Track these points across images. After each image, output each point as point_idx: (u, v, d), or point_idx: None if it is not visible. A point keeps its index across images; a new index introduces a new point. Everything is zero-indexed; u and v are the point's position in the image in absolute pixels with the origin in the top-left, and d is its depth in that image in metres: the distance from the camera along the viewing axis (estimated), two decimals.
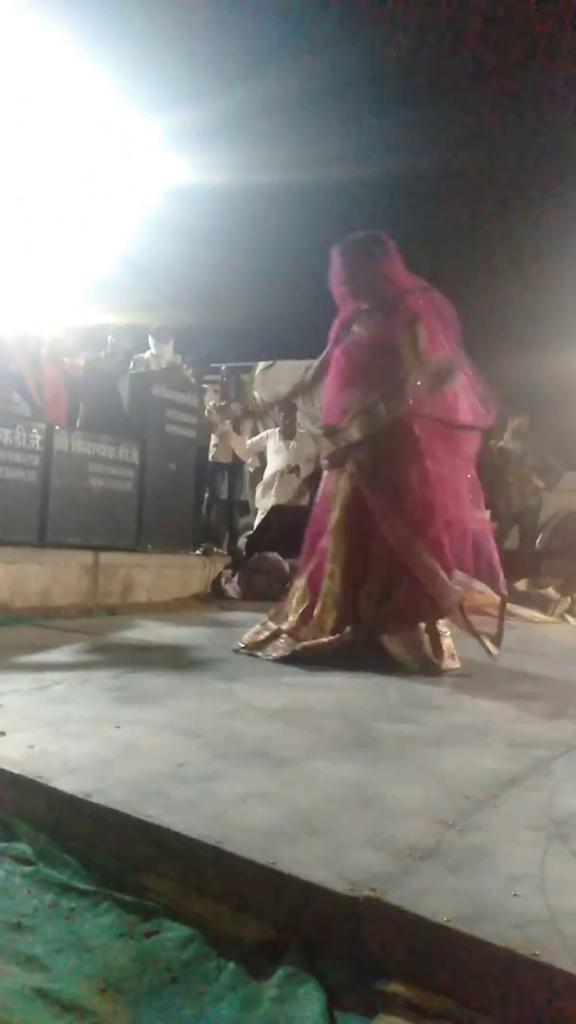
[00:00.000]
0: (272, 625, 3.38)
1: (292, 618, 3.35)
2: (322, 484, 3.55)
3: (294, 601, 3.43)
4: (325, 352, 3.60)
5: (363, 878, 1.16)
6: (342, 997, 1.03)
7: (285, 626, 3.33)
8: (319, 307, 3.57)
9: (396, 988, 1.01)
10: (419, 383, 3.19)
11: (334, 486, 3.37)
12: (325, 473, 3.54)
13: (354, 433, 3.27)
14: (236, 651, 3.26)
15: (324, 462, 3.53)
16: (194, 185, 7.35)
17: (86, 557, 5.06)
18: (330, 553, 3.31)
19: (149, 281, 7.73)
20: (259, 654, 3.19)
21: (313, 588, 3.37)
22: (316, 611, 3.29)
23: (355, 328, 3.39)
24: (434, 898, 1.11)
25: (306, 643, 3.16)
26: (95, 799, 1.44)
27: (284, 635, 3.28)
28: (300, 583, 3.46)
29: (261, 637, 3.31)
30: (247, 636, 3.36)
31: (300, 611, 3.35)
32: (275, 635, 3.30)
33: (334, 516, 3.33)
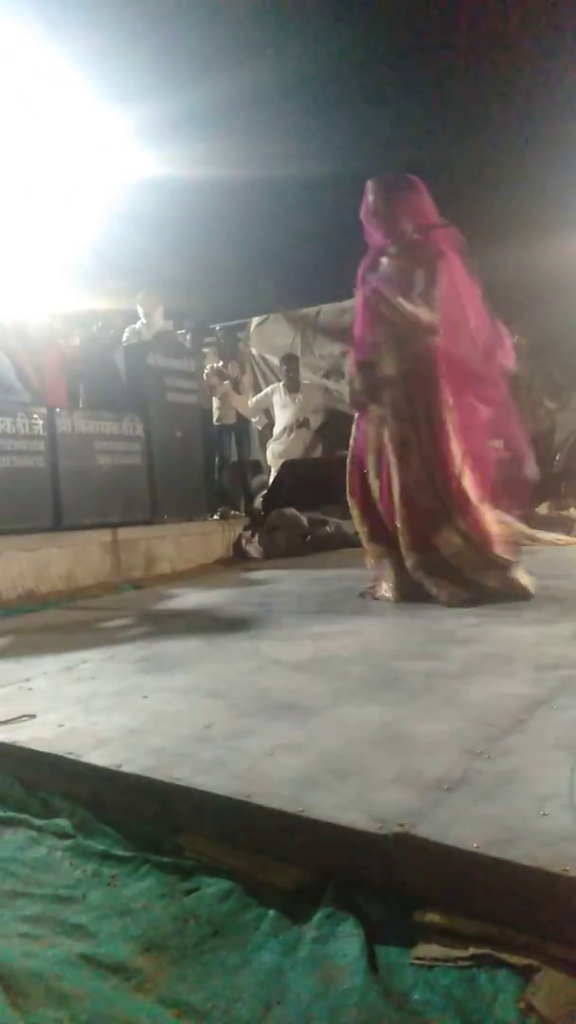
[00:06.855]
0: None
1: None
2: (359, 427, 3.45)
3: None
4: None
5: (392, 815, 1.17)
6: (381, 931, 1.05)
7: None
8: (296, 296, 3.52)
9: (432, 917, 1.03)
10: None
11: (373, 432, 3.32)
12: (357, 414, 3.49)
13: (388, 368, 3.24)
14: (361, 595, 3.42)
15: (355, 401, 3.43)
16: (166, 177, 7.24)
17: (105, 535, 5.09)
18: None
19: (119, 270, 7.65)
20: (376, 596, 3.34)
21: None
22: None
23: (383, 262, 3.34)
24: (463, 827, 1.11)
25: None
26: (126, 768, 1.47)
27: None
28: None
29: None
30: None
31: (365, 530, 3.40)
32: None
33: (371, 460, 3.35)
